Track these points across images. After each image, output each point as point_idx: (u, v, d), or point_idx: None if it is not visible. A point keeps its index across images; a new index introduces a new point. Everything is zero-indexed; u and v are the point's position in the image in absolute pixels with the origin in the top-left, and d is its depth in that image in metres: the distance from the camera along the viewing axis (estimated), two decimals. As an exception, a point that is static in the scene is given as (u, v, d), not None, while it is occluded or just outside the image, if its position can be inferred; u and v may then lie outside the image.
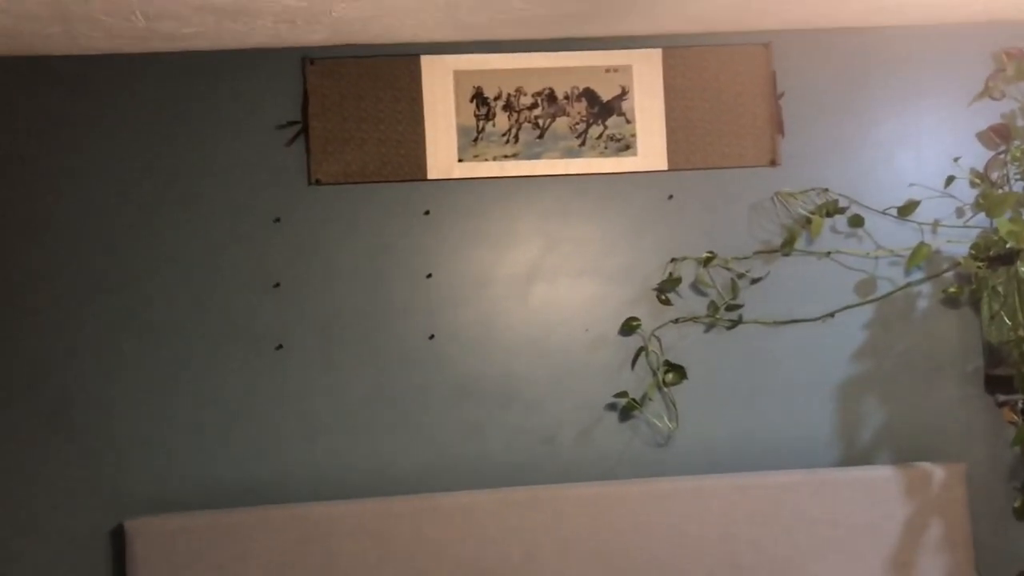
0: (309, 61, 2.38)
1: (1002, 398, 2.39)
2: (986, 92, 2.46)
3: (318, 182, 2.36)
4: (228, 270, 2.34)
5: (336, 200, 2.37)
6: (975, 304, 2.41)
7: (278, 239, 2.35)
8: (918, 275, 2.42)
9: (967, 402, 2.42)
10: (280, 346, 2.34)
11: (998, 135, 2.44)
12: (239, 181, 2.36)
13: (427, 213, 2.38)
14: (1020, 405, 2.35)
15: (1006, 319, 2.26)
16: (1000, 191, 2.36)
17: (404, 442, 2.34)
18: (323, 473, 2.32)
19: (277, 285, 2.35)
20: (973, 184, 2.42)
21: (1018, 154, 2.37)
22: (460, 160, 2.39)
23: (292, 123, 2.37)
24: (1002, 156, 2.43)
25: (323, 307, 2.35)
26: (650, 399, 2.36)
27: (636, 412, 2.36)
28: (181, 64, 2.36)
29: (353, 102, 2.38)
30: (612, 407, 2.38)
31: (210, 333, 2.33)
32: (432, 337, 2.36)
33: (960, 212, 2.44)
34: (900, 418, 2.41)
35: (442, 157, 2.39)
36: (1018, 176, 2.38)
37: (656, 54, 2.43)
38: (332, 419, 2.34)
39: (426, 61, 2.39)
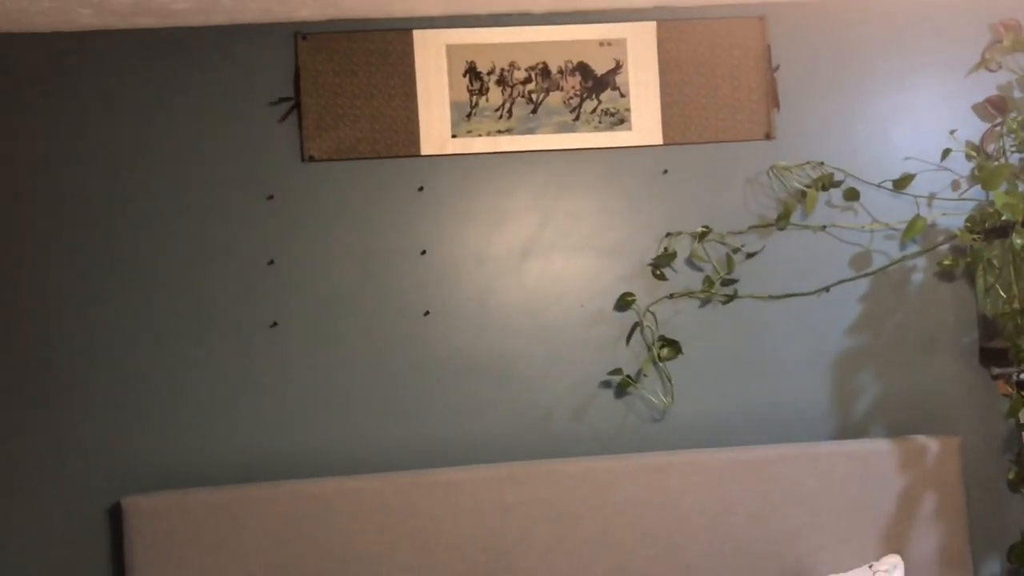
0: (301, 36, 2.36)
1: (997, 371, 2.39)
2: (982, 64, 2.45)
3: (311, 159, 2.35)
4: (221, 247, 2.33)
5: (329, 177, 2.36)
6: (970, 277, 2.41)
7: (272, 216, 2.34)
8: (913, 248, 2.42)
9: (962, 375, 2.42)
10: (275, 324, 2.33)
11: (994, 107, 2.43)
12: (232, 158, 2.34)
13: (421, 189, 2.37)
14: (1015, 377, 2.36)
15: (1001, 292, 2.25)
16: (996, 163, 2.35)
17: (400, 418, 2.34)
18: (320, 450, 2.32)
19: (271, 262, 2.34)
20: (969, 157, 2.41)
21: (1014, 126, 2.36)
22: (454, 136, 2.38)
23: (284, 99, 2.36)
24: (998, 128, 2.41)
25: (317, 284, 2.34)
26: (645, 375, 2.37)
27: (632, 388, 2.36)
28: (172, 41, 2.34)
29: (346, 78, 2.37)
30: (607, 383, 2.38)
31: (205, 310, 2.32)
32: (427, 314, 2.36)
33: (956, 185, 2.43)
34: (895, 391, 2.42)
35: (435, 133, 2.37)
36: (1014, 148, 2.37)
37: (650, 27, 2.41)
38: (328, 396, 2.33)
39: (418, 36, 2.38)
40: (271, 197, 2.34)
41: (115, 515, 2.27)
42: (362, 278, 2.34)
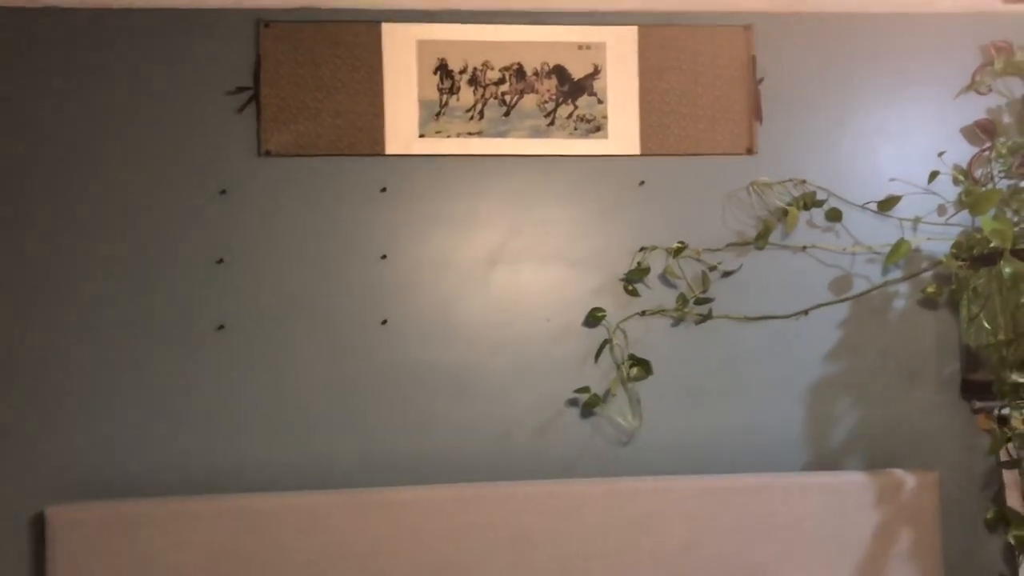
0: (264, 24, 2.24)
1: (978, 404, 2.29)
2: (972, 86, 2.36)
3: (268, 153, 2.22)
4: (167, 243, 2.19)
5: (287, 173, 2.23)
6: (954, 306, 2.32)
7: (223, 212, 2.21)
8: (896, 273, 2.33)
9: (942, 407, 2.33)
10: (221, 326, 2.19)
11: (983, 131, 2.34)
12: (183, 148, 2.21)
13: (383, 190, 2.25)
14: (997, 412, 2.26)
15: (985, 322, 2.16)
16: (984, 188, 2.26)
17: (351, 432, 2.21)
18: (265, 462, 2.18)
19: (220, 261, 2.20)
20: (956, 181, 2.32)
21: (1003, 151, 2.28)
22: (421, 135, 2.26)
23: (243, 89, 2.23)
24: (987, 153, 2.33)
25: (269, 286, 2.21)
26: (613, 395, 2.25)
27: (598, 408, 2.24)
28: (125, 21, 2.20)
29: (309, 69, 2.25)
30: (573, 402, 2.26)
31: (145, 309, 2.18)
32: (385, 322, 2.23)
33: (942, 210, 2.34)
34: (873, 422, 2.32)
35: (401, 131, 2.25)
36: (1003, 174, 2.29)
37: (631, 32, 2.31)
38: (276, 405, 2.19)
39: (388, 29, 2.26)
40: (223, 192, 2.21)
41: (37, 525, 2.11)
42: (317, 282, 2.21)
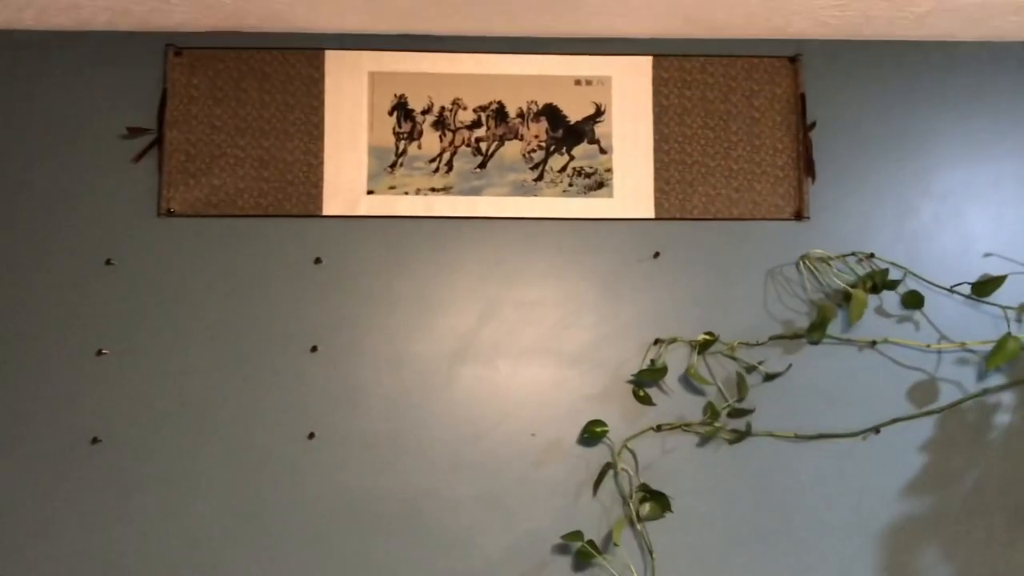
0: (174, 50, 1.79)
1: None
2: (1090, 134, 1.86)
3: (170, 213, 1.77)
4: (36, 329, 1.74)
5: (193, 239, 1.79)
6: (1078, 423, 1.78)
7: (107, 289, 1.77)
8: (998, 379, 1.83)
9: (1065, 561, 1.78)
10: (96, 439, 1.69)
11: (1107, 192, 1.82)
12: (61, 206, 1.78)
13: (318, 261, 1.78)
14: None
15: None
16: (1117, 267, 1.74)
17: (265, 584, 1.68)
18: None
19: (100, 352, 1.72)
20: (1075, 256, 1.82)
21: None
22: (370, 192, 1.81)
23: (140, 131, 1.78)
24: (1113, 220, 1.81)
25: (162, 387, 1.74)
26: (616, 544, 1.70)
27: (597, 560, 1.70)
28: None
29: (229, 107, 1.81)
30: (563, 549, 1.73)
31: (6, 413, 1.71)
32: (312, 436, 1.74)
33: (1057, 294, 1.85)
34: (970, 577, 1.78)
35: (345, 187, 1.80)
36: None
37: (644, 63, 1.88)
38: (166, 541, 1.70)
39: (332, 57, 1.84)
40: (109, 262, 1.76)
41: None
42: (226, 380, 1.76)
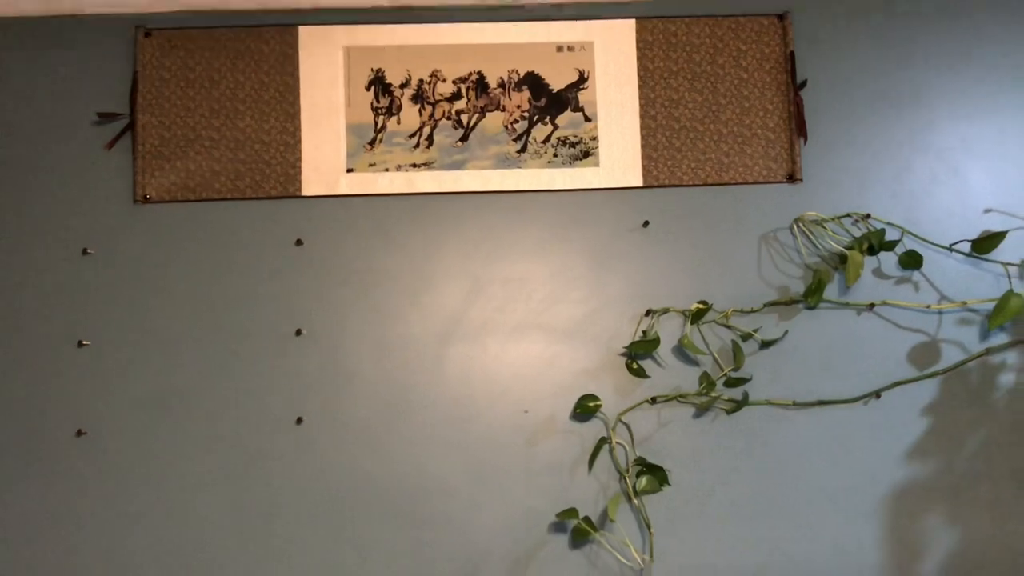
0: (143, 32, 1.74)
1: None
2: (1091, 82, 1.79)
3: (146, 199, 1.72)
4: (14, 320, 1.69)
5: (171, 225, 1.73)
6: (1085, 381, 1.72)
7: (85, 278, 1.71)
8: (1002, 338, 1.76)
9: (1074, 523, 1.73)
10: (81, 432, 1.66)
11: (1111, 141, 1.75)
12: (34, 195, 1.73)
13: (299, 243, 1.73)
14: None
15: None
16: (1122, 219, 1.68)
17: (257, 568, 1.66)
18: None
19: (81, 344, 1.68)
20: (1078, 210, 1.75)
21: None
22: (349, 170, 1.75)
23: (112, 116, 1.72)
24: (1117, 171, 1.74)
25: (144, 376, 1.70)
26: (612, 520, 1.65)
27: (594, 536, 1.65)
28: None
29: (202, 89, 1.75)
30: (560, 527, 1.69)
31: (-13, 411, 1.67)
32: (300, 421, 1.69)
33: (1060, 249, 1.78)
34: (976, 542, 1.73)
35: (324, 166, 1.75)
36: None
37: (628, 26, 1.81)
38: (155, 531, 1.66)
39: (306, 33, 1.78)
40: (86, 252, 1.71)
41: None
42: (211, 367, 1.71)
